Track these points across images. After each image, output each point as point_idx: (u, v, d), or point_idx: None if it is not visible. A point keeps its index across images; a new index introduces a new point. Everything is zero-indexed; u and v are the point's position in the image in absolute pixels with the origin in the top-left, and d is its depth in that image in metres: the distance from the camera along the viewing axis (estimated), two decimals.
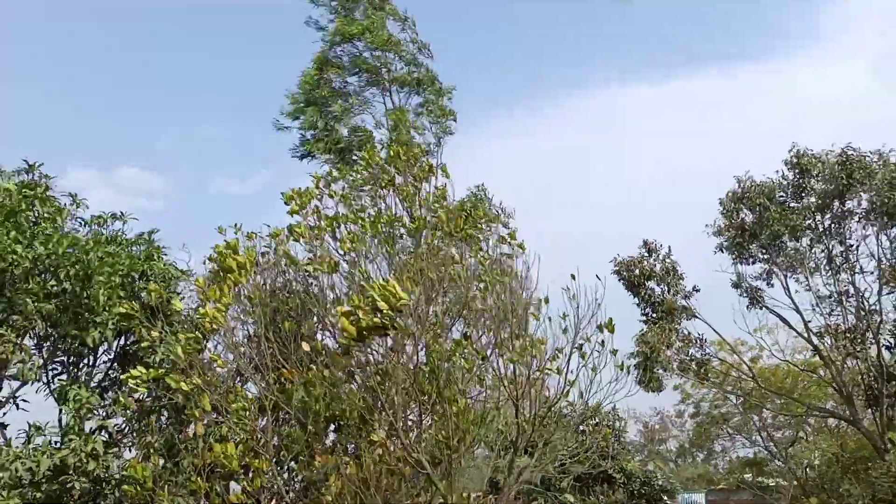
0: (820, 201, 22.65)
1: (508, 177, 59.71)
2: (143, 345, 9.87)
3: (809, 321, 23.25)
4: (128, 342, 10.93)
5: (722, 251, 23.89)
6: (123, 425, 10.69)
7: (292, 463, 9.91)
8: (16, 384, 10.01)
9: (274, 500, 9.90)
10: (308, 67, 19.60)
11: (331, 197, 10.83)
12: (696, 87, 79.87)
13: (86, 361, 10.88)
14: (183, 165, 75.53)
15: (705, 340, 24.15)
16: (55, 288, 10.11)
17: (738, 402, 31.04)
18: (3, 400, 9.99)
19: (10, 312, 9.71)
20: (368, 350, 9.26)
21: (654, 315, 23.44)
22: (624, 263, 23.70)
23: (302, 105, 19.25)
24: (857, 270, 22.52)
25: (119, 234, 11.48)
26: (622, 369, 9.25)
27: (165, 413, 10.52)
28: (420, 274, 9.11)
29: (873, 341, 22.17)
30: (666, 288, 23.54)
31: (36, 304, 9.76)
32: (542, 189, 58.61)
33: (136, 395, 10.30)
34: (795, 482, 29.52)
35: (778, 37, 78.91)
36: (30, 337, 10.22)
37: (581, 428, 13.59)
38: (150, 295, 10.01)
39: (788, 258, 23.07)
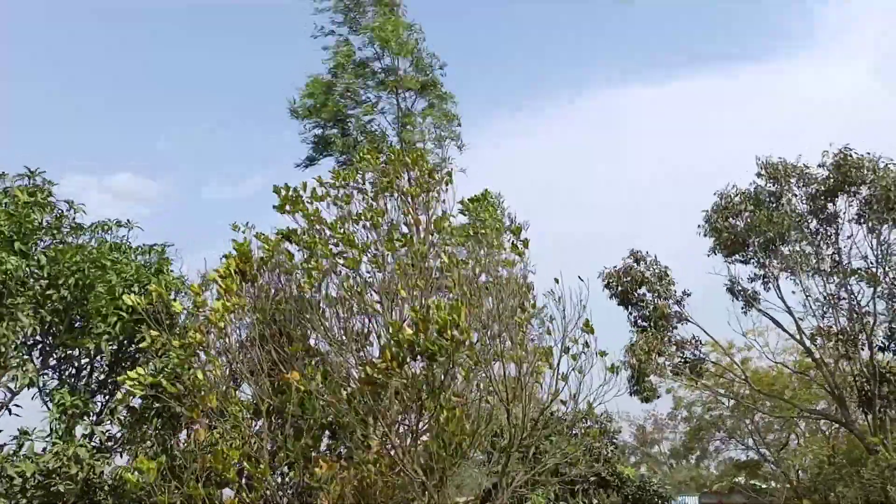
0: (811, 205, 22.79)
1: (510, 177, 59.81)
2: (141, 345, 9.89)
3: (802, 320, 23.41)
4: (124, 346, 10.90)
5: (714, 253, 24.05)
6: (116, 432, 10.64)
7: (286, 468, 9.87)
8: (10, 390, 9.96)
9: None
10: (319, 73, 19.82)
11: (335, 203, 10.64)
12: (698, 88, 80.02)
13: (78, 367, 10.81)
14: (182, 166, 75.53)
15: (700, 342, 24.29)
16: (54, 296, 10.11)
17: (730, 405, 31.17)
18: None
19: (8, 319, 9.68)
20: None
21: (646, 323, 23.49)
22: (613, 274, 23.71)
23: (317, 105, 19.44)
24: (848, 273, 22.65)
25: (124, 241, 11.48)
26: (612, 371, 9.19)
27: (159, 419, 10.46)
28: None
29: (865, 343, 22.29)
30: (657, 294, 23.58)
31: (33, 314, 9.76)
32: (543, 189, 58.74)
33: (131, 399, 10.27)
34: (788, 485, 29.65)
35: (779, 37, 79.02)
36: (24, 344, 10.19)
37: (574, 431, 13.60)
38: (150, 296, 10.00)
39: (783, 260, 23.17)
